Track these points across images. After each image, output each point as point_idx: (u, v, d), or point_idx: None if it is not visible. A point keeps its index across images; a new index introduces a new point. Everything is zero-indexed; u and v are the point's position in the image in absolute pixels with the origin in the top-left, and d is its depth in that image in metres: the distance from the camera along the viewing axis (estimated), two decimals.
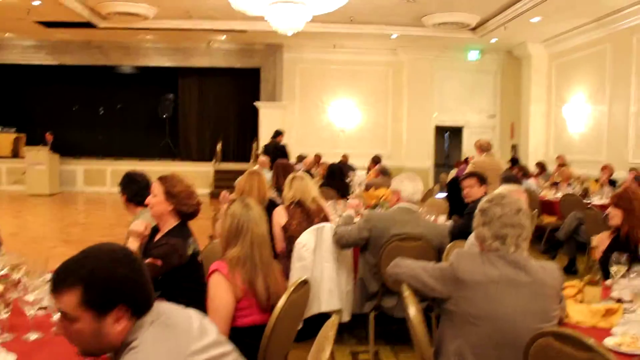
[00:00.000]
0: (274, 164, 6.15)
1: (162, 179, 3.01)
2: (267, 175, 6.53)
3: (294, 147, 14.05)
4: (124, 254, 1.53)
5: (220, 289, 2.47)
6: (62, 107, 18.41)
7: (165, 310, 1.59)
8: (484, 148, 7.89)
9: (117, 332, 1.49)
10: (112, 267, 1.48)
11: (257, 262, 2.53)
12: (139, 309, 1.52)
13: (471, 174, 5.05)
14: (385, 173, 8.42)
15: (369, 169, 12.65)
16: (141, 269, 1.54)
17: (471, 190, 4.89)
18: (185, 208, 3.02)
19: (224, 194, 5.64)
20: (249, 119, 18.04)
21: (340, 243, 3.94)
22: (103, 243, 1.56)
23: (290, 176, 4.60)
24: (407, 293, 2.39)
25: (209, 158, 17.19)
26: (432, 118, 15.78)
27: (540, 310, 2.17)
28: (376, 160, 12.54)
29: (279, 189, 5.55)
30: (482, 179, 4.93)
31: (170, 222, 3.00)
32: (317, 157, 13.27)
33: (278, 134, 11.49)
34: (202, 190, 15.89)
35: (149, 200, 3.00)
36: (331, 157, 12.70)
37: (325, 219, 4.41)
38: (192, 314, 1.66)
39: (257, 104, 15.65)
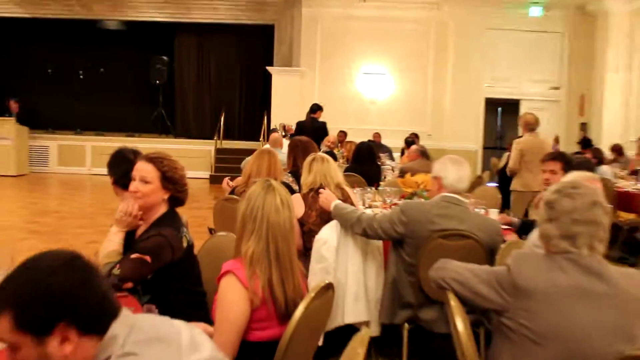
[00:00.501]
0: (290, 141, 6.14)
1: (156, 160, 3.00)
2: (281, 156, 6.52)
3: None
4: (66, 261, 1.53)
5: (234, 296, 2.43)
6: (33, 69, 18.62)
7: (143, 322, 1.59)
8: (529, 125, 7.92)
9: (67, 354, 1.49)
10: (47, 281, 1.48)
11: (271, 259, 2.51)
12: (88, 324, 1.51)
13: (555, 156, 4.98)
14: (424, 155, 8.37)
15: (403, 151, 12.64)
16: (90, 276, 1.54)
17: (554, 177, 4.81)
18: (181, 195, 3.05)
19: (226, 181, 5.66)
20: (259, 88, 18.10)
21: (367, 234, 3.93)
22: (46, 252, 1.56)
23: (310, 157, 4.62)
24: (454, 302, 2.36)
25: (210, 135, 17.36)
26: (482, 89, 15.65)
27: (621, 328, 2.13)
28: (413, 139, 12.52)
29: (295, 172, 5.54)
30: (568, 164, 4.85)
31: (160, 210, 3.02)
32: (342, 135, 13.25)
33: (316, 108, 11.36)
34: (201, 174, 16.01)
35: (137, 187, 2.97)
36: (359, 135, 12.69)
37: None
38: (180, 325, 1.66)
39: (269, 69, 15.69)
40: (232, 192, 5.25)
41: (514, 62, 15.70)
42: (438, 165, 3.96)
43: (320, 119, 11.26)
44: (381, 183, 7.48)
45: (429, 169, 7.48)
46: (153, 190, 2.97)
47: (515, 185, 7.88)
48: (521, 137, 8.14)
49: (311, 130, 10.86)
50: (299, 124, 11.30)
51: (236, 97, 18.49)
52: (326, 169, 4.51)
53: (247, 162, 5.24)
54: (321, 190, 4.32)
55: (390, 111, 15.95)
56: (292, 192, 4.88)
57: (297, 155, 5.82)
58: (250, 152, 5.33)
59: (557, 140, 13.72)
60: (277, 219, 2.56)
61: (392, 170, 9.10)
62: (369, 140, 11.47)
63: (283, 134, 11.42)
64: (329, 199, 4.19)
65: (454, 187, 3.85)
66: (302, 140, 6.04)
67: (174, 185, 3.00)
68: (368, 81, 15.97)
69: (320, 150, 9.48)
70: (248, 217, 2.56)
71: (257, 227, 2.54)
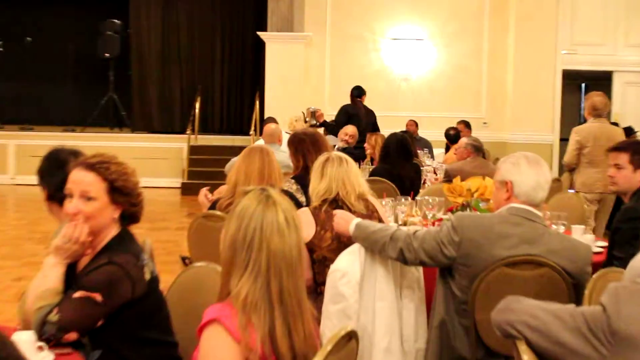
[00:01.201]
0: (292, 136, 6.14)
1: (99, 167, 2.99)
2: (280, 155, 6.51)
3: (325, 108, 14.07)
4: None
5: (222, 353, 2.39)
6: None
7: None
8: (596, 110, 8.38)
9: None
10: None
11: (274, 302, 2.48)
12: None
13: (623, 146, 5.05)
14: (477, 152, 8.35)
15: (448, 146, 12.61)
16: None
17: (619, 174, 4.90)
18: (137, 210, 3.08)
19: (204, 192, 5.66)
20: (248, 62, 18.19)
21: (404, 257, 3.92)
22: None
23: (323, 157, 4.61)
24: (527, 357, 2.35)
25: (181, 128, 17.48)
26: (559, 58, 15.60)
27: None
28: (457, 131, 12.47)
29: (301, 178, 5.54)
30: (638, 155, 4.88)
31: (109, 232, 3.03)
32: None
33: (362, 92, 12.18)
34: (169, 182, 16.05)
35: (78, 207, 2.95)
36: (387, 125, 12.67)
37: None
38: None
39: (261, 36, 15.76)
40: (212, 207, 5.24)
41: (603, 21, 15.64)
42: (507, 166, 3.94)
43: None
44: (420, 191, 7.46)
45: (486, 170, 7.52)
46: (100, 208, 2.96)
47: (575, 184, 8.34)
48: (585, 123, 8.61)
49: (365, 118, 11.57)
50: (345, 108, 11.75)
51: (216, 75, 18.55)
52: (345, 173, 4.51)
53: (233, 165, 5.24)
54: (335, 211, 4.31)
55: (431, 91, 15.96)
56: (298, 205, 4.87)
57: (305, 153, 5.81)
58: (236, 150, 5.32)
59: None
60: (282, 246, 2.51)
61: (435, 172, 9.08)
62: (402, 132, 11.43)
63: (314, 122, 11.62)
64: (346, 220, 4.17)
65: (530, 196, 3.84)
66: (308, 133, 6.03)
67: (126, 197, 3.01)
68: (399, 50, 15.98)
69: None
70: (240, 244, 2.51)
71: (253, 259, 2.48)
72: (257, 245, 2.50)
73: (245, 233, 2.51)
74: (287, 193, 5.05)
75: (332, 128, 11.39)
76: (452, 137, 12.22)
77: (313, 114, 12.01)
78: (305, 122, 11.91)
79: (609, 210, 8.32)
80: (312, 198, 4.59)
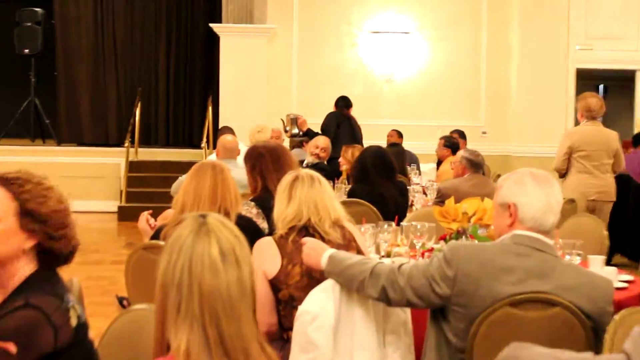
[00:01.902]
0: (249, 150, 6.15)
1: (11, 183, 2.97)
2: (238, 173, 6.49)
3: (295, 110, 14.10)
4: None
5: None
6: None
7: None
8: (591, 112, 8.94)
9: None
10: None
11: (214, 351, 2.46)
12: None
13: None
14: (475, 167, 8.36)
15: (440, 161, 12.63)
16: None
17: None
18: (58, 245, 3.01)
19: (146, 218, 5.63)
20: (199, 59, 18.13)
21: (388, 297, 3.91)
22: None
23: (290, 176, 4.60)
24: None
25: (117, 140, 17.53)
26: (572, 55, 15.70)
27: None
28: (455, 141, 12.48)
29: (263, 200, 5.54)
30: None
31: (21, 267, 2.99)
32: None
33: (346, 104, 12.67)
34: (103, 206, 15.97)
35: None
36: (366, 135, 12.67)
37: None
38: None
39: (215, 28, 15.80)
40: (155, 236, 5.22)
41: (625, 10, 15.78)
42: (510, 185, 3.95)
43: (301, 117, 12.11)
44: (406, 215, 7.46)
45: (486, 189, 7.53)
46: (5, 233, 2.93)
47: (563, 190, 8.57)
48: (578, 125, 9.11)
49: (352, 129, 11.93)
50: (334, 115, 12.03)
51: (161, 76, 18.50)
52: (317, 195, 4.49)
53: (181, 185, 5.23)
54: (304, 239, 4.29)
55: (419, 95, 16.03)
56: (257, 233, 4.88)
57: (264, 171, 5.80)
58: (185, 167, 5.29)
59: None
60: (216, 285, 2.47)
61: (424, 192, 9.08)
62: (391, 144, 11.46)
63: (295, 132, 11.70)
64: (317, 250, 4.15)
65: (538, 221, 3.85)
66: (269, 147, 6.04)
67: (41, 225, 2.95)
68: (380, 46, 16.07)
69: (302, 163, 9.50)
70: (170, 284, 2.48)
71: (185, 301, 2.47)
72: (186, 285, 2.46)
73: (174, 270, 2.49)
74: (244, 219, 5.04)
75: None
76: (453, 146, 12.08)
77: (294, 121, 11.99)
78: (286, 131, 11.91)
79: (606, 220, 8.51)
80: (277, 225, 4.55)
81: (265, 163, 5.86)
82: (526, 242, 3.81)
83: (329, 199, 4.55)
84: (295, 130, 11.85)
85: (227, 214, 4.69)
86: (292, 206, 4.47)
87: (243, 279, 2.55)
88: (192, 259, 2.49)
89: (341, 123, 11.86)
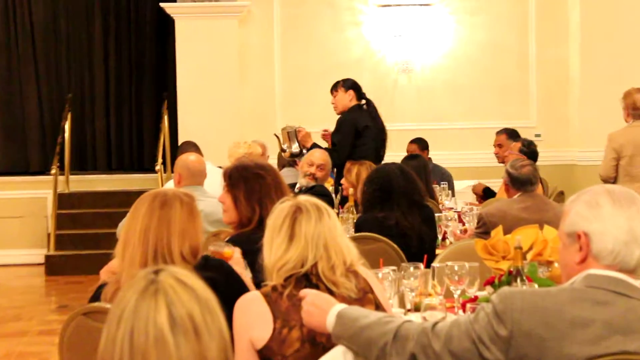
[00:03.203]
0: (239, 168, 6.17)
1: None
2: (208, 204, 6.49)
3: (280, 117, 14.17)
4: None
5: None
6: None
7: None
8: (637, 109, 9.51)
9: None
10: None
11: None
12: None
13: None
14: (522, 184, 8.29)
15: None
16: None
17: None
18: None
19: (105, 273, 5.63)
20: (148, 51, 18.20)
21: None
22: None
23: (288, 206, 4.60)
24: None
25: (41, 166, 17.62)
26: None
27: None
28: (534, 148, 12.31)
29: (248, 241, 5.55)
30: None
31: None
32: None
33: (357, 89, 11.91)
34: (25, 255, 15.98)
35: None
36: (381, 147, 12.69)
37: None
38: None
39: (167, 8, 15.78)
40: (95, 296, 5.20)
41: None
42: (580, 208, 3.94)
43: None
44: (437, 253, 7.46)
45: (546, 213, 7.54)
46: None
47: None
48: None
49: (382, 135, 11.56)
50: (350, 118, 11.47)
51: (97, 77, 18.51)
52: (327, 232, 4.49)
53: (127, 224, 5.22)
54: (303, 291, 4.28)
55: (447, 89, 16.03)
56: (240, 287, 4.87)
57: (264, 198, 5.81)
58: (135, 198, 5.27)
59: None
60: None
61: (461, 220, 9.07)
62: (411, 156, 11.47)
63: (296, 150, 11.47)
64: (322, 307, 4.15)
65: (620, 256, 3.84)
66: (266, 166, 6.05)
67: None
68: (393, 23, 16.08)
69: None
70: None
71: None
72: None
73: (114, 345, 2.52)
74: (219, 267, 5.02)
75: (333, 155, 11.20)
76: (532, 154, 11.70)
77: (292, 135, 11.61)
78: (283, 151, 11.59)
79: None
80: (270, 274, 4.54)
81: (267, 188, 5.87)
82: (605, 285, 3.79)
83: (341, 237, 4.57)
84: (296, 148, 11.53)
85: (167, 262, 4.65)
86: (295, 247, 4.45)
87: (206, 355, 2.55)
88: (134, 329, 2.51)
89: (365, 130, 11.39)
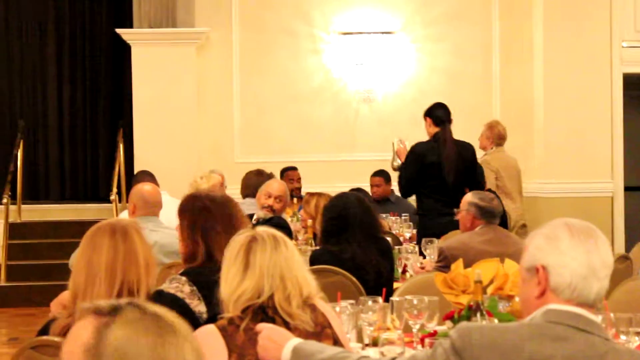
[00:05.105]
0: (187, 200, 6.16)
1: None
2: (162, 235, 6.49)
3: (239, 146, 14.12)
4: None
5: None
6: None
7: None
8: (502, 139, 10.83)
9: None
10: None
11: None
12: None
13: None
14: (489, 216, 8.34)
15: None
16: None
17: None
18: None
19: (55, 306, 5.60)
20: (104, 77, 18.15)
21: None
22: None
23: (245, 237, 4.62)
24: None
25: None
26: (616, 54, 15.80)
27: None
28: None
29: (200, 274, 5.56)
30: None
31: None
32: (292, 176, 13.36)
33: (446, 113, 11.80)
34: None
35: None
36: (337, 177, 12.67)
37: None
38: None
39: (123, 35, 15.81)
40: (43, 330, 5.17)
41: None
42: (539, 242, 3.95)
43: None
44: (395, 285, 7.47)
45: (507, 247, 7.55)
46: None
47: None
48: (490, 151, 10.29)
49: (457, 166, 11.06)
50: (415, 148, 11.26)
51: (51, 102, 18.44)
52: (284, 263, 4.49)
53: (77, 261, 5.20)
54: (259, 325, 4.28)
55: (409, 118, 15.99)
56: (194, 322, 4.90)
57: (209, 231, 5.80)
58: (89, 228, 5.23)
59: None
60: None
61: (421, 254, 9.09)
62: (370, 190, 11.48)
63: (397, 163, 11.39)
64: (277, 342, 4.15)
65: (578, 290, 3.85)
66: (218, 199, 6.05)
67: None
68: (354, 52, 16.13)
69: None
70: None
71: None
72: None
73: None
74: (169, 298, 5.02)
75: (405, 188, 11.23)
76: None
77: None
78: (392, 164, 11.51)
79: None
80: (226, 306, 4.53)
81: (212, 221, 5.85)
82: (564, 321, 3.80)
83: (298, 268, 4.57)
84: (397, 162, 11.53)
85: (133, 296, 4.60)
86: (250, 278, 4.45)
87: None
88: None
89: (431, 164, 10.94)
